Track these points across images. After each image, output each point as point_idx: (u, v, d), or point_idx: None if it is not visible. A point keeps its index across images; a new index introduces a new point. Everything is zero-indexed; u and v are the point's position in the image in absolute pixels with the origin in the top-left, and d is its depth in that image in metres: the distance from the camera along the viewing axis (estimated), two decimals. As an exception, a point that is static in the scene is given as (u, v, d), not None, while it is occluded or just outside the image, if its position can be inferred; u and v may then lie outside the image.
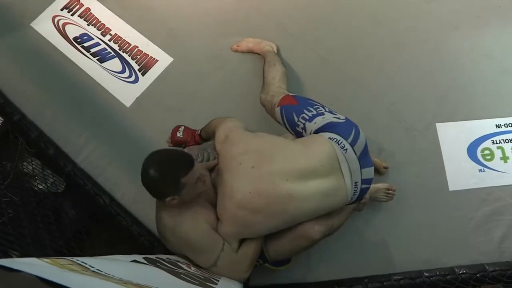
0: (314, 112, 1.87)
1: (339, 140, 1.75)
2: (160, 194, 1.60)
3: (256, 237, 1.76)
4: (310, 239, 1.77)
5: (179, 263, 1.53)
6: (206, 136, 2.20)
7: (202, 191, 1.70)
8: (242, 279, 1.76)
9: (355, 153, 1.75)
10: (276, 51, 2.43)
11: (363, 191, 1.80)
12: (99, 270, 0.88)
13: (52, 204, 2.24)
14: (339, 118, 1.84)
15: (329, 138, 1.76)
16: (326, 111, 1.88)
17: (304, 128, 1.87)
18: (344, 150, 1.73)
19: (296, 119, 1.89)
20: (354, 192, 1.77)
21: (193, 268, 1.52)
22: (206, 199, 1.78)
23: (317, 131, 1.82)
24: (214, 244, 1.69)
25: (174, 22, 2.59)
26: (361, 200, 1.91)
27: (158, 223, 1.77)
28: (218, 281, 1.40)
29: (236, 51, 2.50)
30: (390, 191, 2.20)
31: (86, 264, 0.90)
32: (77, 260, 0.91)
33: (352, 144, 1.75)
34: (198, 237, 1.68)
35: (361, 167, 1.76)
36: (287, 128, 1.96)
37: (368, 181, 1.80)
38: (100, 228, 2.28)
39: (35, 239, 1.82)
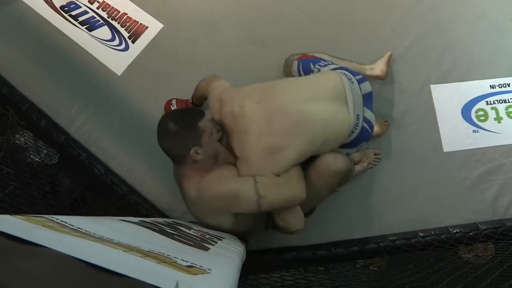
0: (329, 63, 2.03)
1: (348, 74, 1.88)
2: (182, 146, 1.61)
3: (289, 167, 1.68)
4: (335, 172, 1.77)
5: (177, 226, 1.54)
6: (198, 102, 2.18)
7: (219, 151, 1.71)
8: (299, 198, 1.69)
9: (360, 90, 1.86)
10: None
11: (364, 132, 1.85)
12: (79, 228, 0.87)
13: (47, 175, 2.24)
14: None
15: (339, 71, 1.90)
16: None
17: (319, 71, 1.99)
18: (351, 82, 1.86)
19: (312, 66, 2.02)
20: (356, 125, 1.83)
21: (193, 230, 1.52)
22: (225, 161, 1.76)
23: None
24: (244, 183, 1.63)
25: (163, -13, 2.53)
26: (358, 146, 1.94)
27: (188, 206, 1.74)
28: (216, 243, 1.40)
29: None
30: (377, 155, 2.23)
31: (66, 222, 0.89)
32: (57, 218, 0.90)
33: (359, 82, 1.88)
34: (225, 187, 1.64)
35: (364, 105, 1.86)
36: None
37: (369, 122, 1.87)
38: (96, 197, 2.28)
39: (30, 208, 1.82)
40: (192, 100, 2.20)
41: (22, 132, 2.34)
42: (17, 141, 2.31)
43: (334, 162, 1.77)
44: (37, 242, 0.69)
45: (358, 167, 2.17)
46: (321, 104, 1.76)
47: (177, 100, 2.25)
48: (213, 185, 1.65)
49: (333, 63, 2.04)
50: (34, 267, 0.67)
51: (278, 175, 1.65)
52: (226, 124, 1.75)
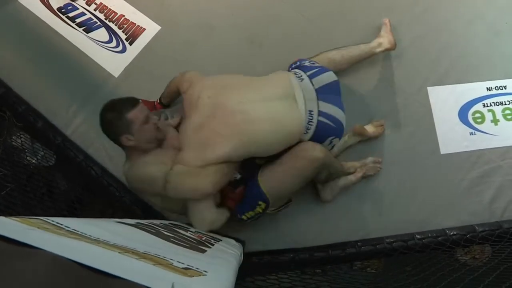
0: (307, 62, 2.09)
1: (298, 72, 1.96)
2: (115, 134, 1.77)
3: (215, 163, 1.76)
4: (311, 158, 1.83)
5: (173, 227, 1.53)
6: (167, 101, 2.21)
7: (159, 137, 1.83)
8: (201, 192, 1.75)
9: (312, 84, 1.90)
10: None
11: (321, 126, 1.88)
12: (74, 230, 0.87)
13: (44, 177, 2.23)
14: (313, 64, 2.04)
15: (290, 71, 1.99)
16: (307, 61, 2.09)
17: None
18: (300, 79, 1.91)
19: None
20: (309, 121, 1.86)
21: (190, 232, 1.51)
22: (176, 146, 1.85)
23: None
24: (160, 168, 1.73)
25: (160, -11, 2.53)
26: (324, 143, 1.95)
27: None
28: (213, 245, 1.40)
29: None
30: (377, 164, 2.22)
31: (61, 224, 0.88)
32: (52, 220, 0.89)
33: (311, 77, 1.93)
34: (143, 171, 1.76)
35: (319, 99, 1.87)
36: None
37: (329, 117, 1.88)
38: (93, 199, 2.27)
39: (27, 210, 1.81)
40: (160, 100, 2.20)
41: (18, 134, 2.33)
42: (13, 143, 2.30)
43: (312, 149, 1.84)
44: (32, 244, 0.68)
45: (351, 177, 2.17)
46: (268, 104, 1.83)
47: (143, 101, 2.21)
48: (136, 167, 1.78)
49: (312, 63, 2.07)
50: (28, 268, 0.66)
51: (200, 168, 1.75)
52: (185, 105, 1.90)
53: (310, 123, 1.86)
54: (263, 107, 1.81)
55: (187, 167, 1.73)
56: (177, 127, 1.93)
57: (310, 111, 1.86)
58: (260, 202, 1.88)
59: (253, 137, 1.79)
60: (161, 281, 0.69)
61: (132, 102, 1.78)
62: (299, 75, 1.94)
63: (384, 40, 2.27)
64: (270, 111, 1.82)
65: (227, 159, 1.77)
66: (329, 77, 1.96)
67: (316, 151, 1.84)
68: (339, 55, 2.20)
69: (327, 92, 1.91)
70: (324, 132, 1.89)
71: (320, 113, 1.87)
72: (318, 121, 1.86)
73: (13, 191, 1.88)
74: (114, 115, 1.75)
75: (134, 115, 1.74)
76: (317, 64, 2.04)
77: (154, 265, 0.76)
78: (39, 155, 2.32)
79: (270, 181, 1.87)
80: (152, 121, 1.80)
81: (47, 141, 2.29)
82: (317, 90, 1.90)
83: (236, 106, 1.79)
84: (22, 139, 2.33)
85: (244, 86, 1.91)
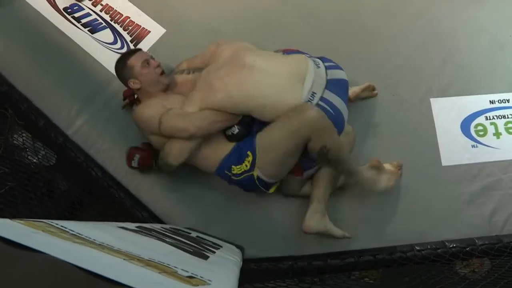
0: (308, 55, 2.11)
1: (317, 60, 2.03)
2: (124, 80, 2.10)
3: (215, 107, 1.93)
4: (303, 116, 1.82)
5: (175, 232, 1.53)
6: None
7: (165, 82, 2.08)
8: (185, 132, 1.92)
9: (326, 74, 1.97)
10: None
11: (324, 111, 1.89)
12: (79, 234, 0.87)
13: (44, 177, 2.22)
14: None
15: (310, 57, 2.04)
16: None
17: None
18: (317, 66, 1.99)
19: None
20: (309, 100, 1.89)
21: (191, 237, 1.51)
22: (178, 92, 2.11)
23: None
24: (159, 110, 1.96)
25: (166, -7, 2.53)
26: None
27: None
28: (214, 252, 1.39)
29: None
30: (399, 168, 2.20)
31: (66, 227, 0.88)
32: (56, 223, 0.89)
33: (327, 67, 2.01)
34: (145, 112, 2.01)
35: (327, 88, 1.94)
36: None
37: (331, 105, 1.92)
38: (93, 200, 2.26)
39: (27, 209, 1.80)
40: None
41: (20, 132, 2.32)
42: (15, 141, 2.29)
43: (309, 108, 1.85)
44: (37, 248, 0.68)
45: (339, 231, 2.10)
46: (277, 67, 1.95)
47: (140, 152, 2.21)
48: (140, 108, 2.07)
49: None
50: (31, 272, 0.66)
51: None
52: (206, 63, 2.11)
53: (309, 102, 1.89)
54: (271, 66, 1.95)
55: (180, 110, 1.95)
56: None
57: (314, 92, 1.91)
58: (248, 153, 1.91)
59: (249, 95, 1.91)
60: (167, 290, 0.68)
61: (133, 51, 2.14)
62: (317, 63, 2.01)
63: (384, 178, 2.14)
64: (273, 85, 1.92)
65: (221, 107, 1.92)
66: (342, 74, 2.04)
67: (312, 110, 1.84)
68: None
69: (336, 86, 1.97)
70: None
71: (322, 99, 1.92)
72: (318, 104, 1.90)
73: (14, 190, 1.86)
74: (119, 64, 2.10)
75: (134, 59, 2.05)
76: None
77: (159, 273, 0.76)
78: (40, 154, 2.31)
79: (264, 136, 1.91)
80: (152, 65, 2.06)
81: (49, 140, 2.28)
82: (328, 81, 1.96)
83: (247, 62, 1.95)
84: (24, 137, 2.31)
85: (265, 54, 2.08)
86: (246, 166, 1.93)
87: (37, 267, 0.67)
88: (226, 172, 1.99)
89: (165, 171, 2.14)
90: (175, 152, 1.97)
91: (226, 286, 0.94)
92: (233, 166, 1.96)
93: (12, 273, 0.65)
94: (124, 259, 0.77)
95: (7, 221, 0.80)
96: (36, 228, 0.80)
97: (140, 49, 2.17)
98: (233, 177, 1.98)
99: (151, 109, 1.99)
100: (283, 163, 1.96)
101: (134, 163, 2.17)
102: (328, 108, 1.91)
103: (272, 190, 2.04)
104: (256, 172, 1.93)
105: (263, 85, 1.91)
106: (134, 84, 2.06)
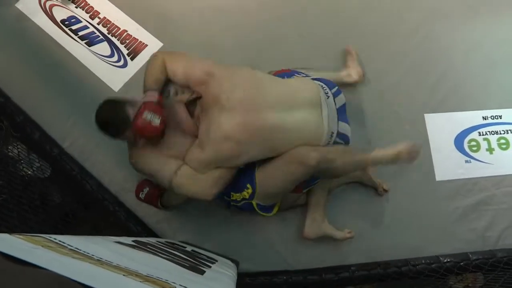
0: (305, 75, 2.06)
1: (324, 87, 1.93)
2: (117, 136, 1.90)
3: (232, 166, 1.82)
4: (304, 164, 1.79)
5: (171, 246, 1.52)
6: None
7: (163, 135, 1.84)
8: (201, 197, 1.83)
9: (335, 104, 1.92)
10: None
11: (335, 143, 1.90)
12: (77, 249, 0.86)
13: (39, 189, 2.20)
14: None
15: (315, 81, 1.95)
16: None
17: None
18: (327, 96, 1.90)
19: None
20: (328, 143, 1.87)
21: (186, 251, 1.50)
22: (188, 131, 1.86)
23: None
24: (166, 167, 1.81)
25: (164, 7, 2.54)
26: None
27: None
28: (210, 266, 1.38)
29: None
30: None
31: (64, 242, 0.87)
32: (55, 238, 0.89)
33: (334, 95, 1.94)
34: (149, 166, 1.85)
35: (339, 119, 1.90)
36: None
37: (343, 137, 1.93)
38: (87, 213, 2.25)
39: (22, 222, 1.79)
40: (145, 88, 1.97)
41: (15, 144, 2.31)
42: (10, 153, 2.28)
43: (306, 155, 1.80)
44: (38, 264, 0.68)
45: (339, 233, 2.15)
46: (298, 113, 1.81)
47: (150, 187, 2.18)
48: (142, 162, 1.87)
49: (307, 75, 2.07)
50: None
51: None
52: (206, 96, 1.80)
53: (328, 144, 1.88)
54: (295, 116, 1.81)
55: (192, 171, 1.78)
56: (187, 104, 1.88)
57: (332, 132, 1.88)
58: (248, 185, 1.89)
59: (275, 145, 1.81)
60: (166, 306, 0.68)
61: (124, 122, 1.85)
62: (325, 91, 1.92)
63: (353, 71, 2.30)
64: (299, 120, 1.82)
65: (241, 166, 1.84)
66: (343, 98, 2.00)
67: (310, 158, 1.79)
68: None
69: (342, 112, 1.96)
70: None
71: (339, 135, 1.91)
72: (334, 141, 1.90)
73: (8, 203, 1.85)
74: (112, 132, 1.90)
75: (128, 135, 1.85)
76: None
77: (158, 289, 0.76)
78: (35, 166, 2.30)
79: (264, 171, 1.87)
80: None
81: (44, 152, 2.28)
82: (338, 110, 1.93)
83: (270, 115, 1.76)
84: (19, 149, 2.30)
85: (273, 89, 1.85)
86: (245, 196, 1.92)
87: (40, 283, 0.67)
88: (225, 198, 1.98)
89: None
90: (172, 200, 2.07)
91: (224, 302, 0.94)
92: (232, 193, 1.95)
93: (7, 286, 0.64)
94: (123, 275, 0.77)
95: (7, 236, 0.79)
96: (36, 244, 0.80)
97: (128, 119, 1.83)
98: (232, 202, 1.98)
99: (155, 166, 1.84)
100: (283, 194, 1.98)
101: (142, 195, 2.17)
102: (341, 141, 1.93)
103: (274, 212, 2.04)
104: (255, 202, 1.94)
105: (290, 131, 1.81)
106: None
